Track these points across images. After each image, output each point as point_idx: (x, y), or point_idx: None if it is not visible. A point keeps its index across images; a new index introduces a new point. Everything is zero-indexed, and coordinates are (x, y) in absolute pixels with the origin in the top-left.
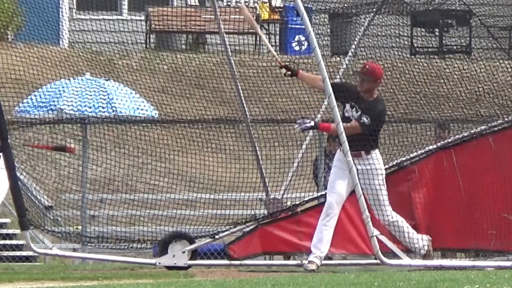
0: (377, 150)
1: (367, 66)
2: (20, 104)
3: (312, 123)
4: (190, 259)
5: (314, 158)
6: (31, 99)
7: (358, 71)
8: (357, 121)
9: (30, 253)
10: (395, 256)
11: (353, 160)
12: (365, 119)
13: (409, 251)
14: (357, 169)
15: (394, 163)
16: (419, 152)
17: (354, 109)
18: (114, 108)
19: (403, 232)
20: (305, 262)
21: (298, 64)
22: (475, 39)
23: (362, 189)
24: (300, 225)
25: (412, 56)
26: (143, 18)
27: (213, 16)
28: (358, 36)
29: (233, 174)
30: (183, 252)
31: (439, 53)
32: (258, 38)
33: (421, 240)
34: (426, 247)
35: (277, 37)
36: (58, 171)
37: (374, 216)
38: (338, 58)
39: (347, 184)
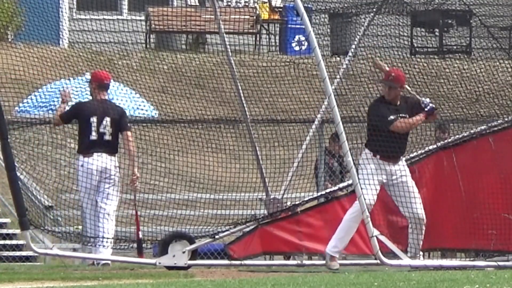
0: None
1: (392, 74)
2: (20, 104)
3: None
4: (190, 259)
5: (316, 159)
6: (31, 99)
7: (383, 80)
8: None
9: (30, 253)
10: (395, 256)
11: (387, 164)
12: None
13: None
14: (393, 170)
15: None
16: (419, 152)
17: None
18: None
19: (421, 230)
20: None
21: (298, 64)
22: (475, 39)
23: (396, 189)
24: (300, 225)
25: (412, 56)
26: (143, 18)
27: (213, 16)
28: (358, 36)
29: (233, 174)
30: (183, 252)
31: (439, 53)
32: (257, 39)
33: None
34: (422, 257)
35: (277, 37)
36: (58, 171)
37: (399, 213)
38: (338, 58)
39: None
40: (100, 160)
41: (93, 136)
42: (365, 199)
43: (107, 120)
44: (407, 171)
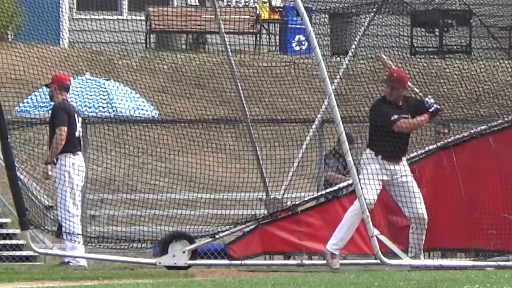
0: None
1: (394, 74)
2: (20, 104)
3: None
4: (190, 259)
5: (325, 155)
6: (31, 99)
7: (386, 79)
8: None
9: (30, 253)
10: (395, 256)
11: (389, 164)
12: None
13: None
14: (395, 170)
15: None
16: (419, 152)
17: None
18: (114, 108)
19: (423, 230)
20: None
21: (298, 64)
22: (475, 39)
23: (398, 188)
24: (300, 225)
25: (412, 56)
26: (143, 18)
27: (213, 16)
28: (358, 36)
29: (233, 174)
30: (183, 252)
31: (439, 53)
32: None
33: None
34: (423, 257)
35: (277, 37)
36: None
37: (400, 213)
38: (338, 58)
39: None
40: (82, 159)
41: (77, 133)
42: (365, 199)
43: (80, 120)
44: (408, 171)
